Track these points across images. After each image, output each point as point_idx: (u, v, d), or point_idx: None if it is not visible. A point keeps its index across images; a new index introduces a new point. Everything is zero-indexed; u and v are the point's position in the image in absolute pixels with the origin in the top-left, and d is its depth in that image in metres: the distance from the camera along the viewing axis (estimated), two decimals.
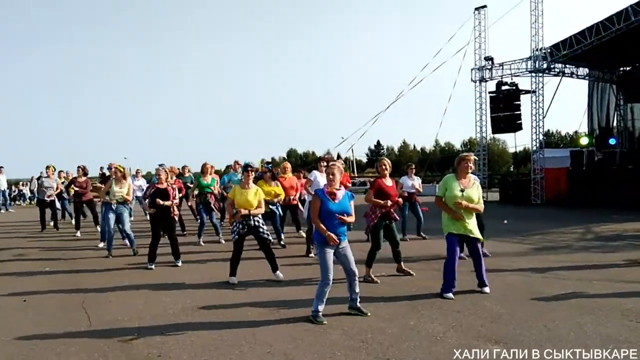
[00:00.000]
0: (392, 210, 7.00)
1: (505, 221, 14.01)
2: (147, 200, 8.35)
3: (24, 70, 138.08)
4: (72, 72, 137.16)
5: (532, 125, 21.81)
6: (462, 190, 5.97)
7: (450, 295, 5.94)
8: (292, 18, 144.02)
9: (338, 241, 5.16)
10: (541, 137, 22.06)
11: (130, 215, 9.63)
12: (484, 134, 24.38)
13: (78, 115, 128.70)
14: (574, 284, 6.56)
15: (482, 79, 23.58)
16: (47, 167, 13.70)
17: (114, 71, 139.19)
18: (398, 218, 7.12)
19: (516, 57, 22.31)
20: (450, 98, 24.95)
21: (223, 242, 10.58)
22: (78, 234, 12.35)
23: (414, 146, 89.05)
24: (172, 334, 4.77)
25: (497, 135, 21.20)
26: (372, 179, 7.49)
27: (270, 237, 7.12)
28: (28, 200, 26.35)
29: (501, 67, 22.81)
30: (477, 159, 6.37)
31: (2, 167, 20.88)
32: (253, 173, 7.24)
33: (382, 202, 6.84)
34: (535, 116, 21.72)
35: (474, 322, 5.02)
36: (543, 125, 21.86)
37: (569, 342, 4.40)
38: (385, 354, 4.21)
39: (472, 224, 6.09)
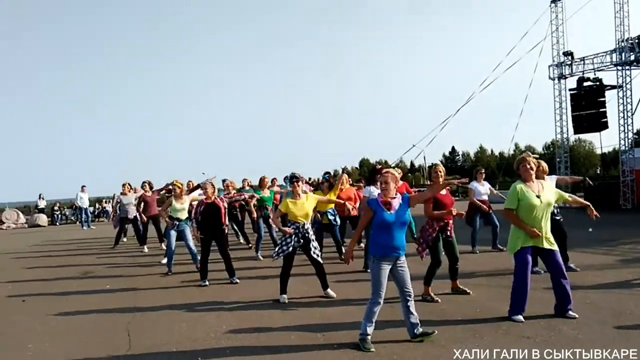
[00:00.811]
0: (450, 223, 6.39)
1: (590, 229, 12.76)
2: (198, 219, 8.15)
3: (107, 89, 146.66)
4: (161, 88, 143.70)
5: (619, 124, 20.08)
6: (538, 196, 5.27)
7: (520, 317, 5.26)
8: (354, 20, 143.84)
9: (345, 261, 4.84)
10: (631, 135, 20.24)
11: None
12: (565, 135, 22.78)
13: (159, 130, 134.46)
14: None
15: (562, 76, 22.10)
16: (123, 185, 14.06)
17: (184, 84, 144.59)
18: (452, 235, 6.49)
19: (599, 50, 20.65)
20: (527, 98, 23.60)
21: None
22: (145, 249, 12.58)
23: (492, 151, 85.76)
24: None
25: (582, 136, 19.64)
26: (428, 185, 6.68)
27: (321, 259, 6.74)
28: (111, 216, 27.53)
29: (582, 62, 21.25)
30: (537, 156, 5.63)
31: (84, 185, 22.01)
32: (301, 183, 6.88)
33: (444, 211, 6.20)
34: (623, 113, 20.00)
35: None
36: (632, 123, 20.09)
37: None
38: None
39: (548, 233, 5.34)
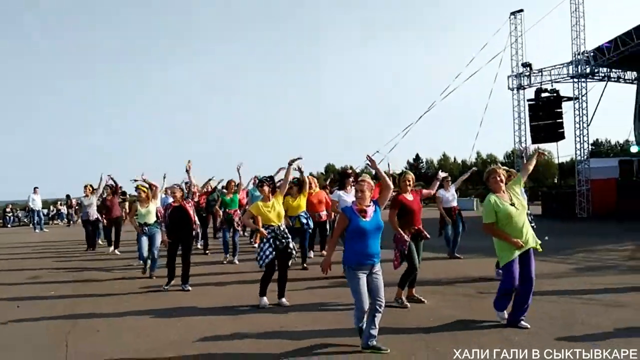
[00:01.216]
0: (422, 228, 6.42)
1: (547, 237, 12.89)
2: (167, 224, 7.96)
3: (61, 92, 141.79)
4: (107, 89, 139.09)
5: (575, 134, 20.59)
6: (512, 204, 5.23)
7: (504, 314, 5.37)
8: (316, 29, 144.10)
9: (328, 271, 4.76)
10: (586, 146, 20.79)
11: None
12: (523, 144, 23.24)
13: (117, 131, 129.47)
14: (623, 313, 5.71)
15: (520, 87, 22.54)
16: (85, 187, 13.70)
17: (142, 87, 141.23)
18: (429, 237, 6.55)
19: (556, 62, 21.15)
20: (487, 107, 23.95)
21: (237, 262, 10.16)
22: (116, 251, 12.50)
23: (455, 158, 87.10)
24: None
25: (541, 146, 19.84)
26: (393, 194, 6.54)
27: (294, 257, 6.69)
28: (66, 219, 26.75)
29: (540, 74, 21.72)
30: (506, 169, 5.65)
31: (37, 187, 21.29)
32: (266, 187, 6.76)
33: (404, 235, 6.17)
34: (579, 124, 20.52)
35: None
36: (588, 134, 20.62)
37: None
38: None
39: (530, 233, 5.33)
